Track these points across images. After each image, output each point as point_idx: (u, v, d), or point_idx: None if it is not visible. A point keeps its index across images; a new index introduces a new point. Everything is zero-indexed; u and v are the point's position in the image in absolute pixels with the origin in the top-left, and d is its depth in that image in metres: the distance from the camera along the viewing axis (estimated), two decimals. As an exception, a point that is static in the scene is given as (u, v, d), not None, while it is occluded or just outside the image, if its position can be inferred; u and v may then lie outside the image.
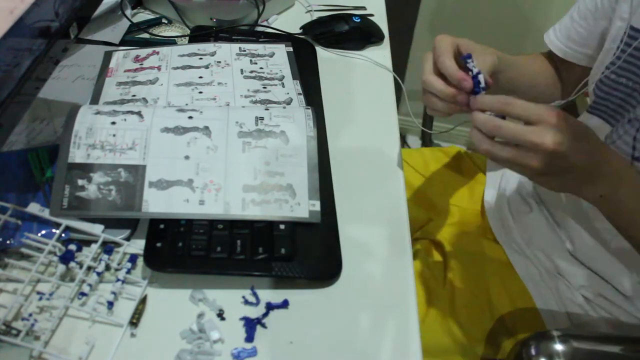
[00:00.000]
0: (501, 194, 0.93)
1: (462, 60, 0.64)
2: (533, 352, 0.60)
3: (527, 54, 0.90)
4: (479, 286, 0.80)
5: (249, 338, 0.55)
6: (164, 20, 0.96)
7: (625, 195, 0.60)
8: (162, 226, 0.61)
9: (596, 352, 0.63)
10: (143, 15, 0.97)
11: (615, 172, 0.60)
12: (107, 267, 0.59)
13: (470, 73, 0.62)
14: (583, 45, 0.83)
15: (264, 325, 0.56)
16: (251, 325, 0.56)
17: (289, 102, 0.77)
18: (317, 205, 0.63)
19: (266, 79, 0.81)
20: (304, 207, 0.63)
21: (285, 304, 0.58)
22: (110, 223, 0.61)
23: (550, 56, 0.89)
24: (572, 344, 0.61)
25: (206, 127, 0.66)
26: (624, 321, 0.74)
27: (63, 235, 0.60)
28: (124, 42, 0.89)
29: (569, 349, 0.60)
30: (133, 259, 0.60)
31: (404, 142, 1.84)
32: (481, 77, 0.62)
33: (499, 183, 0.95)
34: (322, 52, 0.92)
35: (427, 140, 1.29)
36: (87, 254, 0.59)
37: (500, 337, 0.76)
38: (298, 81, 0.81)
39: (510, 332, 0.76)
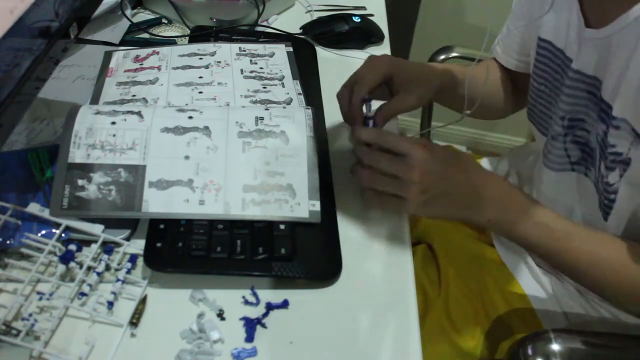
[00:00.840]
0: None
1: (361, 101, 0.69)
2: (530, 352, 0.60)
3: (483, 62, 0.89)
4: (473, 289, 0.80)
5: (249, 338, 0.55)
6: (164, 20, 0.96)
7: (514, 217, 0.63)
8: (162, 226, 0.61)
9: (593, 351, 0.63)
10: (143, 15, 0.97)
11: (498, 196, 0.63)
12: (107, 267, 0.59)
13: (365, 113, 0.68)
14: (524, 55, 0.84)
15: (264, 325, 0.56)
16: (251, 326, 0.56)
17: (289, 102, 0.77)
18: (317, 205, 0.63)
19: (266, 79, 0.81)
20: (304, 207, 0.63)
21: (285, 304, 0.58)
22: (110, 223, 0.61)
23: (503, 67, 0.89)
24: (569, 344, 0.61)
25: (206, 127, 0.66)
26: (623, 320, 0.74)
27: (63, 235, 0.60)
28: (124, 42, 0.89)
29: (565, 348, 0.60)
30: (133, 259, 0.60)
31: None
32: (370, 122, 0.67)
33: None
34: (322, 52, 0.92)
35: (423, 135, 1.29)
36: (87, 254, 0.59)
37: (497, 338, 0.77)
38: (298, 81, 0.81)
39: (508, 333, 0.76)
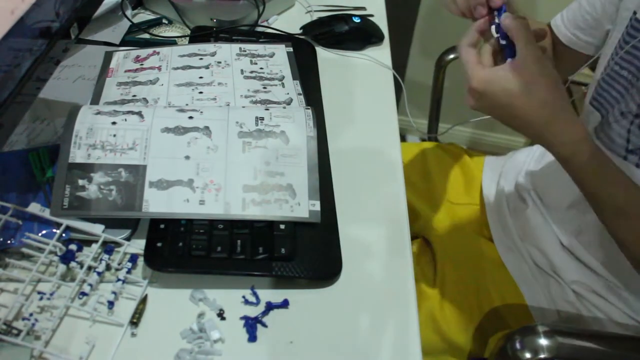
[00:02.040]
0: (499, 190, 0.93)
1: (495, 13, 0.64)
2: (518, 346, 0.60)
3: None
4: (468, 285, 0.80)
5: (252, 338, 0.55)
6: (164, 21, 0.96)
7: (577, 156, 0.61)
8: (162, 226, 0.61)
9: (581, 347, 0.62)
10: (143, 16, 0.97)
11: (555, 145, 0.62)
12: (108, 267, 0.59)
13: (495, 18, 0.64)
14: (589, 34, 0.82)
15: (263, 324, 0.56)
16: (252, 325, 0.56)
17: (289, 102, 0.77)
18: (317, 205, 0.63)
19: (266, 79, 0.81)
20: (304, 207, 0.63)
21: (285, 304, 0.58)
22: (110, 223, 0.61)
23: (552, 34, 0.88)
24: (557, 339, 0.61)
25: (206, 127, 0.66)
26: (615, 319, 0.74)
27: (64, 235, 0.60)
28: (124, 43, 0.89)
29: (553, 343, 0.60)
30: (133, 258, 0.60)
31: (403, 139, 1.84)
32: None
33: (498, 180, 0.95)
34: (322, 53, 0.92)
35: (431, 138, 1.29)
36: (88, 254, 0.59)
37: (488, 333, 0.77)
38: (298, 81, 0.81)
39: (499, 328, 0.76)
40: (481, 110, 0.64)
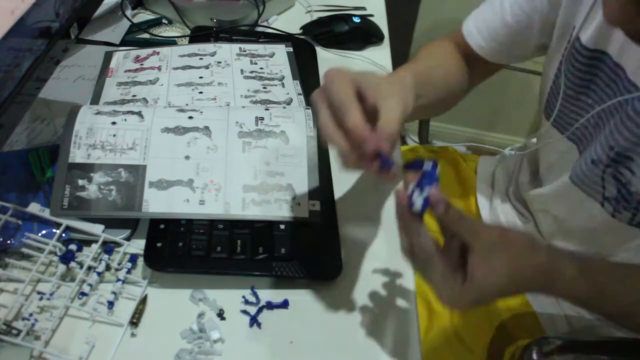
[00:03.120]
0: (493, 200, 0.93)
1: (410, 166, 0.53)
2: (535, 357, 0.60)
3: (429, 47, 0.79)
4: None
5: (255, 322, 0.55)
6: (164, 21, 0.96)
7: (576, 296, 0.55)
8: (162, 226, 0.61)
9: (596, 358, 0.62)
10: (143, 16, 0.97)
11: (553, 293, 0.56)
12: (108, 267, 0.59)
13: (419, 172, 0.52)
14: (510, 45, 0.74)
15: (269, 306, 0.56)
16: (252, 316, 0.56)
17: (289, 102, 0.77)
18: (317, 205, 0.63)
19: (266, 79, 0.81)
20: (304, 207, 0.63)
21: (285, 304, 0.58)
22: (110, 223, 0.61)
23: (457, 41, 0.79)
24: (573, 351, 0.61)
25: (206, 127, 0.66)
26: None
27: (63, 235, 0.60)
28: (124, 43, 0.89)
29: (569, 356, 0.60)
30: (133, 258, 0.60)
31: (403, 143, 1.84)
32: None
33: (491, 184, 0.95)
34: (322, 53, 0.92)
35: (423, 140, 1.28)
36: (88, 254, 0.59)
37: (501, 345, 0.76)
38: (298, 81, 0.81)
39: (511, 339, 0.76)
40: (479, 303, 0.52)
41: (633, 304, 0.56)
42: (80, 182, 0.61)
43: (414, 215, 0.51)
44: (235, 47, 0.86)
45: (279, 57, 0.86)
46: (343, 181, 0.70)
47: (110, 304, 0.56)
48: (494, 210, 0.89)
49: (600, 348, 0.64)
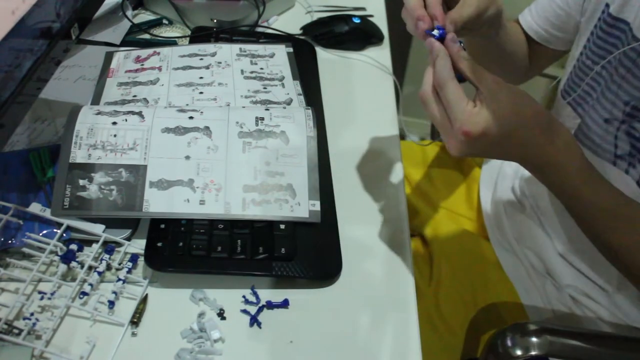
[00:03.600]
0: (496, 192, 0.93)
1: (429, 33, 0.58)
2: (509, 343, 0.60)
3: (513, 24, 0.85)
4: (464, 284, 0.80)
5: (254, 320, 0.55)
6: (164, 21, 0.96)
7: (562, 185, 0.58)
8: (162, 226, 0.61)
9: (572, 345, 0.62)
10: (144, 16, 0.97)
11: (553, 165, 0.57)
12: (108, 267, 0.59)
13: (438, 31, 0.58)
14: (560, 29, 0.79)
15: (261, 311, 0.56)
16: (252, 316, 0.56)
17: (289, 102, 0.77)
18: (317, 205, 0.64)
19: (266, 79, 0.81)
20: (304, 207, 0.63)
21: (285, 304, 0.58)
22: (111, 223, 0.61)
23: (523, 31, 0.84)
24: (548, 337, 0.60)
25: (207, 127, 0.66)
26: (606, 320, 0.74)
27: (64, 235, 0.60)
28: (124, 43, 0.89)
29: (544, 341, 0.60)
30: (134, 258, 0.60)
31: (402, 138, 1.84)
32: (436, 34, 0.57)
33: (495, 181, 0.95)
34: (322, 53, 0.92)
35: (435, 136, 1.28)
36: (88, 254, 0.59)
37: (481, 329, 0.76)
38: (298, 81, 0.82)
39: (493, 326, 0.76)
40: (472, 154, 0.56)
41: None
42: (81, 182, 0.61)
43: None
44: (235, 48, 0.86)
45: (279, 57, 0.86)
46: (343, 181, 0.71)
47: (111, 304, 0.56)
48: (496, 201, 0.90)
49: (577, 336, 0.64)
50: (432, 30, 0.58)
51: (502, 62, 0.82)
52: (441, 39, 0.57)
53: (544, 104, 0.85)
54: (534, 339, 0.59)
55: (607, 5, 0.69)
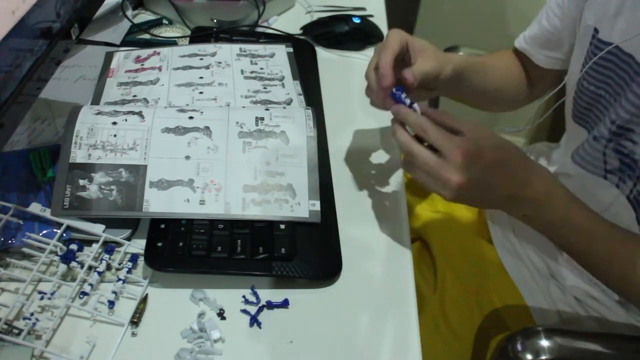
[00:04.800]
0: None
1: (393, 93, 0.62)
2: (519, 347, 0.60)
3: (496, 53, 0.88)
4: (469, 288, 0.80)
5: (254, 321, 0.55)
6: (164, 21, 0.96)
7: (552, 218, 0.61)
8: (162, 226, 0.61)
9: (582, 348, 0.62)
10: (144, 16, 0.97)
11: (538, 196, 0.60)
12: (108, 267, 0.59)
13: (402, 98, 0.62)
14: (554, 51, 0.81)
15: (261, 311, 0.56)
16: (252, 316, 0.56)
17: (289, 102, 0.77)
18: (317, 205, 0.64)
19: (266, 79, 0.81)
20: (304, 207, 0.63)
21: (285, 303, 0.58)
22: (111, 223, 0.61)
23: (518, 54, 0.87)
24: (558, 340, 0.61)
25: (207, 127, 0.66)
26: (611, 320, 0.74)
27: (64, 235, 0.60)
28: (125, 43, 0.89)
29: (554, 345, 0.60)
30: (134, 258, 0.60)
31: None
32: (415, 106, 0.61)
33: None
34: (322, 53, 0.93)
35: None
36: (88, 254, 0.59)
37: (490, 335, 0.77)
38: (298, 81, 0.82)
39: (500, 330, 0.76)
40: (468, 187, 0.56)
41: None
42: (81, 182, 0.61)
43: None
44: (235, 48, 0.86)
45: (279, 57, 0.86)
46: (343, 181, 0.71)
47: (111, 304, 0.56)
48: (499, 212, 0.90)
49: (587, 337, 0.64)
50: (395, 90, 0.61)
51: (487, 100, 0.85)
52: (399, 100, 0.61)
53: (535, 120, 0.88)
54: (544, 343, 0.60)
55: (596, 30, 0.71)
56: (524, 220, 0.63)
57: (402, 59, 0.66)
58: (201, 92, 0.76)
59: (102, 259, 0.59)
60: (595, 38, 0.71)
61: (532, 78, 0.88)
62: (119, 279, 0.58)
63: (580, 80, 0.75)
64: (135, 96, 0.75)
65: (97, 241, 0.60)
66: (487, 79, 0.79)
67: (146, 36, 0.92)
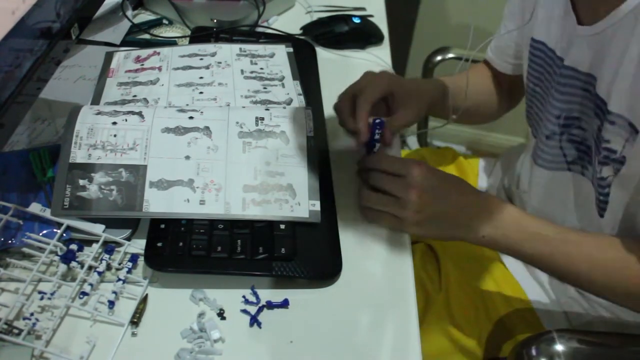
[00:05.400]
0: (495, 193, 0.93)
1: (372, 124, 0.68)
2: (534, 352, 0.60)
3: (472, 67, 0.91)
4: (474, 288, 0.80)
5: (254, 321, 0.55)
6: (164, 21, 0.96)
7: (508, 231, 0.64)
8: (162, 226, 0.61)
9: (597, 351, 0.63)
10: (144, 16, 0.97)
11: (490, 212, 0.64)
12: (108, 267, 0.59)
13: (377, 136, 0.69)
14: (517, 58, 0.85)
15: (261, 311, 0.56)
16: (252, 316, 0.56)
17: (289, 102, 0.77)
18: (317, 205, 0.64)
19: (266, 79, 0.81)
20: (304, 207, 0.63)
21: (285, 303, 0.58)
22: (111, 223, 0.61)
23: (488, 65, 0.92)
24: (573, 344, 0.61)
25: (207, 127, 0.66)
26: (624, 319, 0.74)
27: (64, 235, 0.60)
28: (124, 43, 0.89)
29: (569, 349, 0.61)
30: (134, 258, 0.60)
31: (403, 143, 1.84)
32: (376, 144, 0.69)
33: (492, 182, 0.95)
34: (322, 53, 0.93)
35: (422, 142, 1.29)
36: (88, 254, 0.59)
37: (499, 338, 0.77)
38: (298, 81, 0.82)
39: (509, 333, 0.76)
40: (431, 202, 0.63)
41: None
42: (81, 182, 0.61)
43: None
44: (235, 48, 0.86)
45: (279, 57, 0.86)
46: (343, 181, 0.71)
47: (111, 304, 0.56)
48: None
49: (600, 340, 0.64)
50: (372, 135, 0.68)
51: (469, 116, 0.88)
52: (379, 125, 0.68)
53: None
54: (559, 348, 0.60)
55: (531, 37, 0.76)
56: (484, 242, 0.65)
57: (384, 99, 0.73)
58: (201, 92, 0.76)
59: (102, 259, 0.59)
60: (531, 38, 0.76)
61: (506, 87, 0.92)
62: (119, 279, 0.58)
63: (527, 82, 0.79)
64: (135, 96, 0.75)
65: (97, 241, 0.60)
66: (465, 99, 0.83)
67: (146, 36, 0.92)
